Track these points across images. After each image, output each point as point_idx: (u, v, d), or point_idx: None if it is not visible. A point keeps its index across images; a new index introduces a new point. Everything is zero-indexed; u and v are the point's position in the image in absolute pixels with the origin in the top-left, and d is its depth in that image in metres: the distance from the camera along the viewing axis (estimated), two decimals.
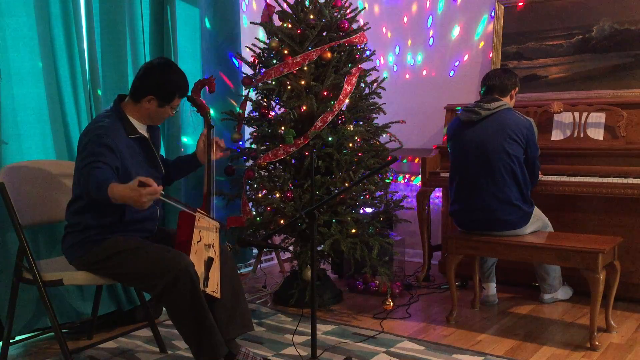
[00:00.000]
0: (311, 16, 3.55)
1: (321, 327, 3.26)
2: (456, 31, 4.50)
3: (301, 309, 3.49)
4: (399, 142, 3.74)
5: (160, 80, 2.55)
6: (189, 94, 2.81)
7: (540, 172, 3.43)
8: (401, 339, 3.11)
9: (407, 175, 4.76)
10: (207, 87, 2.84)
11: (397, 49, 4.78)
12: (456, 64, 4.53)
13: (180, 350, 3.00)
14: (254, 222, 3.51)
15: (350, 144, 3.51)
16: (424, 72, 4.67)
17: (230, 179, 3.83)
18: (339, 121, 3.58)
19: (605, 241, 3.06)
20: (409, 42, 4.71)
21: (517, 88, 3.36)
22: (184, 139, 3.90)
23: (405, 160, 4.72)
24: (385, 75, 3.86)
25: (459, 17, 4.48)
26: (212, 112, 3.65)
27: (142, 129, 2.64)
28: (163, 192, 2.23)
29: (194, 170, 2.96)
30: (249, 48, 3.78)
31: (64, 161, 3.07)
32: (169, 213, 3.61)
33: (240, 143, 3.91)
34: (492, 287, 3.66)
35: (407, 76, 4.74)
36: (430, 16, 4.59)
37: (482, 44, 4.39)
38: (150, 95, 2.55)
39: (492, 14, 4.29)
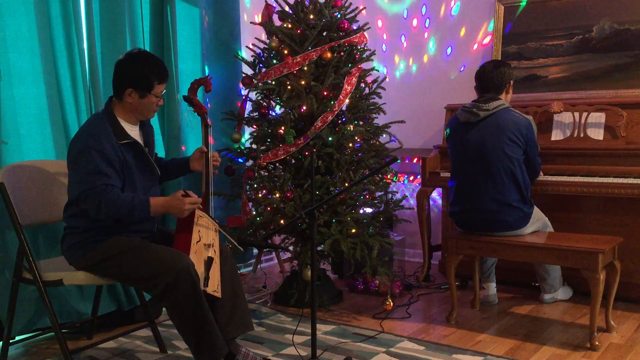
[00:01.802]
0: (311, 16, 3.55)
1: (321, 327, 3.26)
2: (456, 31, 4.50)
3: (301, 309, 3.48)
4: (399, 142, 3.74)
5: (134, 71, 2.52)
6: (185, 93, 2.80)
7: (541, 170, 3.43)
8: (401, 339, 3.11)
9: (411, 176, 4.76)
10: (203, 87, 2.83)
11: (398, 49, 4.78)
12: (456, 63, 4.53)
13: (180, 350, 3.00)
14: (254, 222, 3.51)
15: (350, 144, 3.51)
16: (424, 72, 4.68)
17: (230, 179, 3.83)
18: (339, 121, 3.58)
19: (605, 241, 3.06)
20: (410, 41, 4.72)
21: (512, 80, 3.32)
22: (183, 139, 3.89)
23: (399, 159, 4.70)
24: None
25: (459, 17, 4.48)
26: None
27: (133, 131, 2.61)
28: (201, 206, 2.51)
29: (184, 175, 2.95)
30: (249, 48, 3.78)
31: (64, 161, 3.04)
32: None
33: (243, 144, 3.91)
34: (492, 287, 3.66)
35: (408, 76, 4.75)
36: (431, 16, 4.60)
37: (482, 43, 4.39)
38: (129, 88, 2.52)
39: (492, 13, 4.29)
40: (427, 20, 4.61)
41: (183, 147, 3.85)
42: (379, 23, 4.82)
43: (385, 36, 4.82)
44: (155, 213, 2.47)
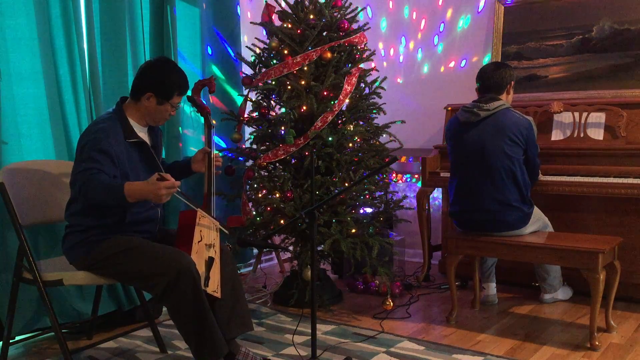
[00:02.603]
0: (311, 16, 3.54)
1: (321, 327, 3.26)
2: (456, 31, 4.50)
3: (301, 309, 3.48)
4: (399, 142, 3.73)
5: (159, 77, 2.55)
6: (189, 94, 2.81)
7: (540, 171, 3.43)
8: (401, 339, 3.11)
9: (415, 176, 4.76)
10: (207, 87, 2.84)
11: (400, 49, 4.78)
12: (456, 63, 4.52)
13: (180, 350, 3.00)
14: (254, 222, 3.51)
15: (350, 144, 3.51)
16: (424, 72, 4.68)
17: (230, 179, 3.83)
18: (339, 121, 3.58)
19: (605, 241, 3.06)
20: (411, 43, 4.72)
21: (513, 81, 3.33)
22: (184, 139, 3.89)
23: (399, 157, 4.70)
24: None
25: (459, 17, 4.48)
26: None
27: (142, 132, 2.62)
28: (179, 190, 2.36)
29: (186, 177, 2.94)
30: (249, 48, 3.78)
31: (64, 161, 3.07)
32: (169, 214, 3.61)
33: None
34: (492, 287, 3.66)
35: (407, 76, 4.75)
36: (431, 16, 4.60)
37: (482, 43, 4.39)
38: (149, 92, 2.54)
39: (492, 13, 4.29)
40: (430, 19, 4.62)
41: (181, 144, 3.84)
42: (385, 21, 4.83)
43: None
44: (133, 198, 2.31)
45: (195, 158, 2.83)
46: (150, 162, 2.64)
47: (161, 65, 2.59)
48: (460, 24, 4.48)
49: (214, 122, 2.78)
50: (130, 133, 2.55)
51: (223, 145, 4.21)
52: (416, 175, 4.70)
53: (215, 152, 2.79)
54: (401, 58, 4.76)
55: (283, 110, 3.57)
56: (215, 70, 4.15)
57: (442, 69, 4.58)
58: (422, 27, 4.65)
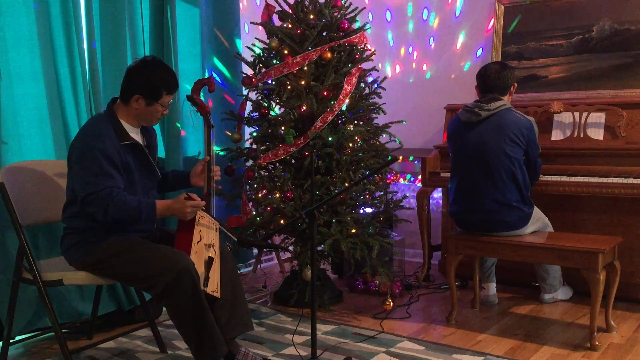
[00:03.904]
0: (311, 16, 3.55)
1: (321, 327, 3.26)
2: (456, 31, 4.50)
3: (301, 309, 3.48)
4: (399, 142, 3.73)
5: (145, 78, 2.52)
6: (189, 93, 2.80)
7: (541, 173, 3.43)
8: (401, 339, 3.11)
9: (418, 176, 4.75)
10: (207, 87, 2.84)
11: (400, 49, 4.78)
12: (456, 63, 4.52)
13: (180, 350, 3.00)
14: (254, 222, 3.51)
15: (350, 144, 3.51)
16: (425, 72, 4.67)
17: (230, 179, 3.83)
18: (339, 121, 3.58)
19: (605, 241, 3.06)
20: (411, 42, 4.72)
21: (515, 83, 3.34)
22: (184, 139, 3.89)
23: (399, 157, 4.70)
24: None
25: (459, 17, 4.48)
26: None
27: (135, 134, 2.60)
28: (203, 208, 2.53)
29: (184, 188, 2.91)
30: (249, 48, 3.78)
31: (64, 161, 3.05)
32: None
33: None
34: (492, 287, 3.66)
35: (407, 76, 4.75)
36: (431, 16, 4.60)
37: (482, 43, 4.39)
38: (137, 94, 2.52)
39: (492, 14, 4.29)
40: (430, 19, 4.62)
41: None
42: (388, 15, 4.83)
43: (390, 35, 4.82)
44: (161, 216, 2.50)
45: (195, 171, 2.80)
46: (145, 163, 2.63)
47: (146, 66, 2.55)
48: (460, 24, 4.47)
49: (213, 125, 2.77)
50: (123, 135, 2.53)
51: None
52: (415, 176, 4.69)
53: (216, 165, 2.76)
54: (401, 60, 4.77)
55: (277, 109, 3.57)
56: (215, 70, 4.14)
57: (442, 69, 4.58)
58: (423, 26, 4.65)
